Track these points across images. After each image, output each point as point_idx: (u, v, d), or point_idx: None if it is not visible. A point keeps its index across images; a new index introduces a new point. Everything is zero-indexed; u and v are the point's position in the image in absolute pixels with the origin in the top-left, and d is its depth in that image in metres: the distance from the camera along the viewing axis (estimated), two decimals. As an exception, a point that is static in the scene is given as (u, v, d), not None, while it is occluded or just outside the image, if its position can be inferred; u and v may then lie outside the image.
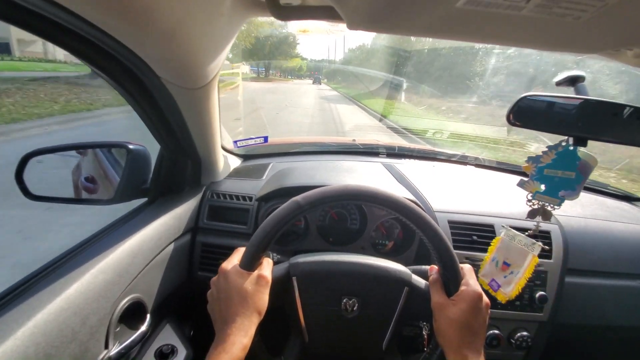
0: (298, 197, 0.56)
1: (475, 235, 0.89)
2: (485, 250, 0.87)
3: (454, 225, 0.90)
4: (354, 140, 1.50)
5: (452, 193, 1.03)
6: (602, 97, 0.59)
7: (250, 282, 0.54)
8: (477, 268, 0.83)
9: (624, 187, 1.30)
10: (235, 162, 1.23)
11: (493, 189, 1.14)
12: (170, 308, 0.83)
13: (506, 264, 0.71)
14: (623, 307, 0.91)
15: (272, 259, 0.66)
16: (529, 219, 0.67)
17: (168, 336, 0.76)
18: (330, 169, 1.09)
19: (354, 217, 0.96)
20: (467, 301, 0.53)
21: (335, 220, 0.97)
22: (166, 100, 0.68)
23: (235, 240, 0.91)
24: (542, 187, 0.64)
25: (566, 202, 0.64)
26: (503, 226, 0.72)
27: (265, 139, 1.27)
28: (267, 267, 0.58)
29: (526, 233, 0.68)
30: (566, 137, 0.62)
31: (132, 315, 0.66)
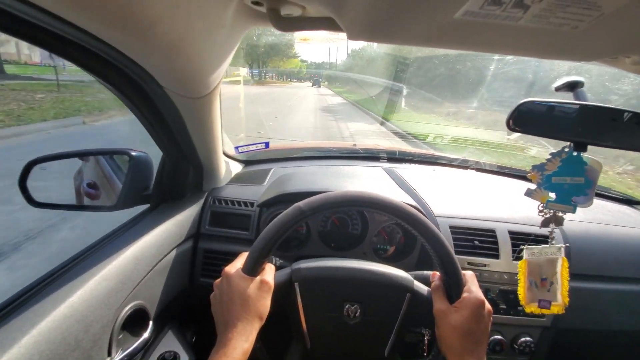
0: (300, 203, 0.56)
1: (477, 240, 0.89)
2: (486, 255, 0.87)
3: (456, 231, 0.90)
4: (354, 144, 1.50)
5: (453, 198, 1.03)
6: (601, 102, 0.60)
7: (252, 287, 0.54)
8: (479, 273, 0.83)
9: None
10: (236, 168, 1.23)
11: (494, 193, 1.14)
12: (172, 314, 0.83)
13: (543, 280, 0.68)
14: (626, 312, 0.91)
15: (275, 264, 0.66)
16: (543, 227, 0.67)
17: (170, 342, 0.76)
18: (331, 174, 1.09)
19: (356, 222, 0.96)
20: (470, 308, 0.53)
21: (336, 225, 0.97)
22: (169, 109, 0.69)
23: (237, 246, 0.92)
24: (552, 195, 0.64)
25: (566, 205, 0.65)
26: (522, 247, 0.68)
27: (267, 144, 1.28)
28: (269, 273, 0.58)
29: (549, 244, 0.66)
30: (568, 143, 0.62)
31: (134, 322, 0.66)
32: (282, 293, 0.59)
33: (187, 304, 0.93)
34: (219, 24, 0.52)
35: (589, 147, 0.61)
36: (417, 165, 1.34)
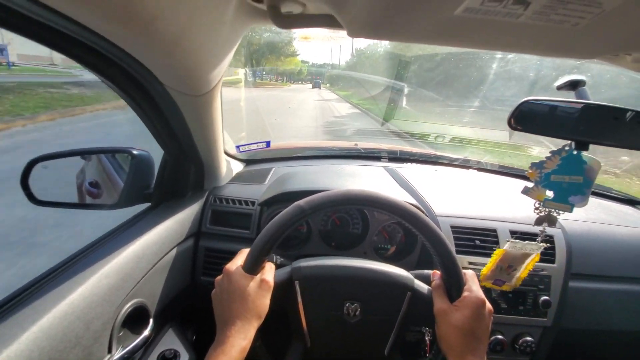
0: (301, 202, 0.56)
1: (478, 240, 0.89)
2: (487, 255, 0.87)
3: (457, 230, 0.90)
4: (356, 144, 1.50)
5: (454, 197, 1.03)
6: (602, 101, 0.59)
7: (252, 286, 0.54)
8: (479, 273, 0.83)
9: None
10: (237, 167, 1.23)
11: (496, 193, 1.13)
12: (173, 313, 0.83)
13: (510, 267, 0.72)
14: (628, 312, 0.90)
15: (275, 262, 0.66)
16: (536, 225, 0.67)
17: (171, 341, 0.77)
18: (332, 173, 1.09)
19: (356, 221, 0.96)
20: (470, 307, 0.53)
21: (337, 225, 0.97)
22: (169, 106, 0.69)
23: (238, 245, 0.91)
24: (550, 193, 0.64)
25: (569, 205, 0.64)
26: (507, 240, 0.71)
27: (268, 143, 1.28)
28: (269, 271, 0.58)
29: (537, 240, 0.69)
30: (568, 142, 0.62)
31: (135, 319, 0.66)
32: (283, 291, 0.59)
33: (188, 302, 0.93)
34: (219, 20, 0.52)
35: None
36: (419, 165, 1.34)
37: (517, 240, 0.69)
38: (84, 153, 0.86)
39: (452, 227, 0.90)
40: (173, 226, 0.82)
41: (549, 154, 0.63)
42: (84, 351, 0.53)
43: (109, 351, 0.59)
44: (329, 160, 1.38)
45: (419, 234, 0.56)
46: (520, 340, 0.86)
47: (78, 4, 0.40)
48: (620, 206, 1.18)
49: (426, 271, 0.64)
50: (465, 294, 0.55)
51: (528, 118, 0.63)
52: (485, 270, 0.74)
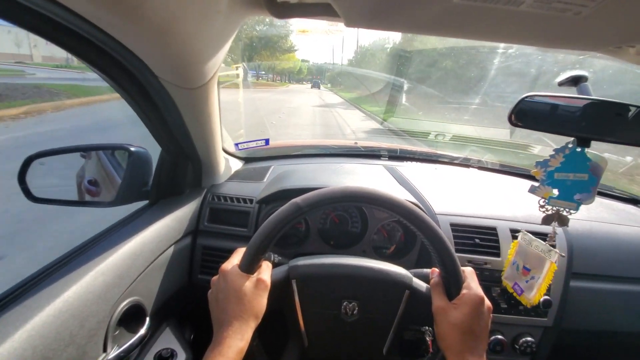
0: (298, 199, 0.55)
1: (478, 238, 0.88)
2: (487, 254, 0.87)
3: (456, 228, 0.89)
4: (355, 142, 1.50)
5: (454, 196, 1.02)
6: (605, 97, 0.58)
7: (249, 286, 0.53)
8: (479, 272, 0.82)
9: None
10: (236, 165, 1.23)
11: (496, 191, 1.12)
12: (170, 311, 0.83)
13: (526, 269, 0.71)
14: (630, 312, 0.89)
15: (273, 261, 0.66)
16: (543, 224, 0.66)
17: (167, 340, 0.76)
18: (331, 171, 1.09)
19: (355, 220, 0.96)
20: (469, 305, 0.52)
21: (336, 223, 0.96)
22: (165, 100, 0.68)
23: (236, 243, 0.91)
24: (555, 191, 0.63)
25: (571, 204, 0.64)
26: (520, 231, 0.72)
27: (267, 141, 1.28)
28: (266, 271, 0.57)
29: (546, 240, 0.68)
30: (572, 139, 0.61)
31: (131, 318, 0.65)
32: (280, 290, 0.59)
33: (186, 301, 0.92)
34: (213, 9, 0.51)
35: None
36: (419, 163, 1.34)
37: (528, 233, 0.71)
38: (82, 150, 0.85)
39: (451, 225, 0.89)
40: (170, 224, 0.82)
41: (553, 152, 0.62)
42: (78, 350, 0.52)
43: (104, 350, 0.58)
44: (328, 158, 1.37)
45: (417, 232, 0.55)
46: (521, 341, 0.85)
47: None
48: (623, 205, 1.16)
49: (425, 270, 0.63)
50: (464, 291, 0.54)
51: (529, 114, 0.62)
52: (505, 267, 0.78)
